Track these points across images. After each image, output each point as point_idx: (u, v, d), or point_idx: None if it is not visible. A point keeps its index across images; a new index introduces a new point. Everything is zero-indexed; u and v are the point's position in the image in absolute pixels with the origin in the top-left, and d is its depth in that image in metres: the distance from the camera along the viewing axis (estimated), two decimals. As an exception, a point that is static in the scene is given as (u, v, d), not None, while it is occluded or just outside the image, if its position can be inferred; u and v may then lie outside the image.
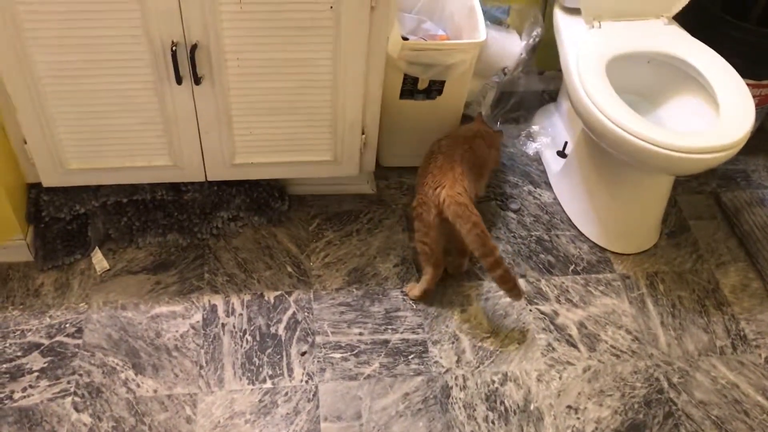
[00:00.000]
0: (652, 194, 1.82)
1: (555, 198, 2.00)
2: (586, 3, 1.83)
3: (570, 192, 1.95)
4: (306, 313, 1.68)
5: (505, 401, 1.57)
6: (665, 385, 1.62)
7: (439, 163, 1.65)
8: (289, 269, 1.77)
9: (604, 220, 1.87)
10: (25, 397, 1.49)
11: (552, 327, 1.71)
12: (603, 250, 1.89)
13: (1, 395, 1.49)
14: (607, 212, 1.86)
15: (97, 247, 1.75)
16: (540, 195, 2.01)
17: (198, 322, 1.65)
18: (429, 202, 1.60)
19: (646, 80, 1.85)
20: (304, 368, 1.58)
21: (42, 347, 1.57)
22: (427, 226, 1.63)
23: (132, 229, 1.78)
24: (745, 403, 1.60)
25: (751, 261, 1.89)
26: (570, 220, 1.94)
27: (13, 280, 1.69)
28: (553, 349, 1.67)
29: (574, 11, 1.88)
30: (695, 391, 1.61)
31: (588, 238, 1.90)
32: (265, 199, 1.85)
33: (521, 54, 1.98)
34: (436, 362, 1.62)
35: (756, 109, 1.92)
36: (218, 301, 1.69)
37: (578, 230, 1.92)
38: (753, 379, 1.64)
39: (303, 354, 1.60)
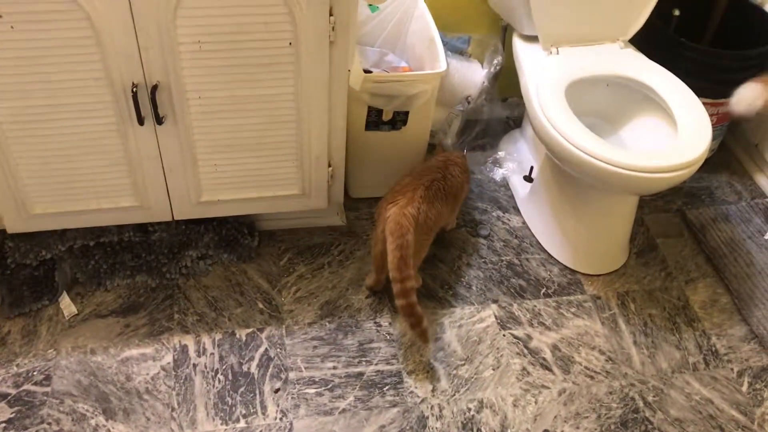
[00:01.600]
0: (618, 214, 1.84)
1: (524, 222, 2.02)
2: (543, 30, 1.87)
3: (538, 216, 1.97)
4: (278, 349, 1.67)
5: (482, 429, 1.56)
6: (641, 404, 1.62)
7: (405, 182, 1.67)
8: (261, 305, 1.76)
9: (573, 242, 1.88)
10: (-9, 449, 1.46)
11: (526, 351, 1.71)
12: (573, 272, 1.90)
13: (-33, 449, 1.45)
14: (575, 234, 1.87)
15: (65, 292, 1.73)
16: (509, 220, 2.03)
17: (169, 363, 1.62)
18: (381, 215, 1.62)
19: (605, 103, 1.88)
20: (278, 405, 1.57)
21: (9, 397, 1.54)
22: (375, 239, 1.66)
23: (100, 272, 1.76)
24: (720, 418, 1.60)
25: (719, 276, 1.92)
26: (539, 243, 1.96)
27: (-22, 329, 1.66)
28: (528, 373, 1.67)
29: (533, 39, 1.92)
30: (671, 409, 1.62)
31: (558, 261, 1.92)
32: (234, 236, 1.84)
33: (483, 82, 2.01)
34: (411, 392, 1.61)
35: (714, 127, 1.97)
36: (189, 341, 1.67)
37: (548, 253, 1.93)
38: (726, 393, 1.65)
39: (276, 391, 1.58)
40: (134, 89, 1.44)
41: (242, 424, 1.53)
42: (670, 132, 1.72)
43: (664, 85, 1.78)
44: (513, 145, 2.18)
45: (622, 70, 1.83)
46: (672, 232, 2.04)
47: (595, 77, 1.83)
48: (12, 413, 1.51)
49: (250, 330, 1.70)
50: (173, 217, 1.73)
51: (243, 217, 1.86)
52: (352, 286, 1.82)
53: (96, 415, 1.52)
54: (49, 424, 1.50)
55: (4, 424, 1.49)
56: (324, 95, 1.56)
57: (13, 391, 1.55)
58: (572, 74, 1.81)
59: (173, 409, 1.54)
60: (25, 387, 1.56)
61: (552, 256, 1.93)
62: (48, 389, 1.56)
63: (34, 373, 1.59)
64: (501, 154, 2.15)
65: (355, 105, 1.76)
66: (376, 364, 1.66)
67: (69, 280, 1.75)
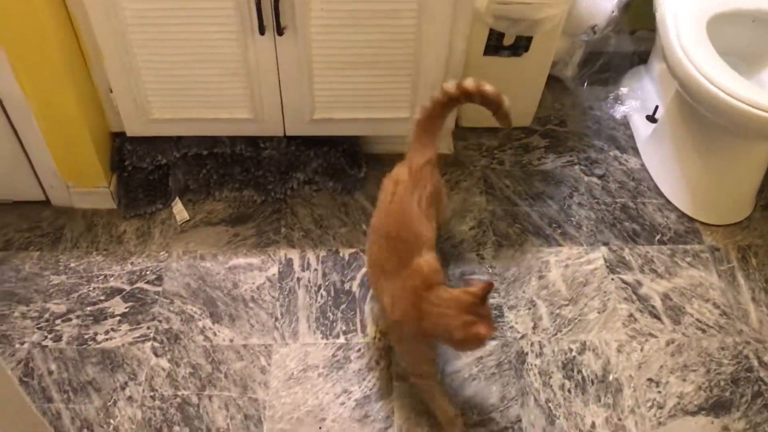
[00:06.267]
0: (749, 162, 1.71)
1: (642, 164, 1.91)
2: (687, -44, 1.72)
3: (659, 158, 1.86)
4: (380, 272, 1.67)
5: (583, 370, 1.52)
6: (755, 363, 1.54)
7: None
8: (364, 227, 1.76)
9: (695, 189, 1.77)
10: (107, 339, 1.53)
11: (635, 297, 1.64)
12: (692, 220, 1.79)
13: (86, 336, 1.53)
14: (698, 180, 1.76)
15: (177, 198, 1.77)
16: (626, 161, 1.92)
17: (274, 275, 1.65)
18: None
19: (749, 41, 1.73)
20: (378, 326, 1.57)
21: (124, 292, 1.61)
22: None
23: (210, 182, 1.79)
24: (843, 386, 1.51)
25: None
26: (657, 187, 1.85)
27: (97, 226, 1.73)
28: (635, 320, 1.61)
29: (673, -34, 1.77)
30: (788, 372, 1.53)
31: (676, 207, 1.81)
32: (341, 165, 1.82)
33: (612, 12, 1.88)
34: (511, 327, 1.58)
35: None
36: (294, 255, 1.69)
37: (666, 198, 1.83)
38: None
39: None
40: (258, -4, 1.42)
41: (342, 340, 1.55)
42: (822, 76, 1.57)
43: (820, 23, 1.62)
44: (637, 82, 2.05)
45: (773, 4, 1.67)
46: (805, 186, 1.89)
47: (740, 11, 1.68)
48: (126, 308, 1.58)
49: (353, 250, 1.71)
50: (285, 133, 1.72)
51: (352, 146, 1.83)
52: (456, 216, 1.79)
53: (203, 317, 1.57)
54: (160, 321, 1.56)
55: (119, 317, 1.57)
56: (447, 13, 1.50)
57: (127, 287, 1.62)
58: (715, 7, 1.66)
59: (276, 319, 1.57)
60: (139, 285, 1.63)
61: (670, 202, 1.82)
62: (159, 289, 1.62)
63: (147, 272, 1.65)
64: (623, 90, 2.03)
65: (476, 27, 1.68)
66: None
67: (181, 186, 1.79)
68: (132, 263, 1.66)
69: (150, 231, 1.73)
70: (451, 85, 1.36)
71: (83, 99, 1.58)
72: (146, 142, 1.75)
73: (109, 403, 1.44)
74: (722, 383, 1.51)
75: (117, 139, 1.76)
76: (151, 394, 1.45)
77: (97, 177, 1.70)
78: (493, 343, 1.55)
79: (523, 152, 1.94)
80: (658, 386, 1.50)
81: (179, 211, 1.75)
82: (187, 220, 1.75)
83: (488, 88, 1.34)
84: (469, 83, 1.35)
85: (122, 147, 1.75)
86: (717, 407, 1.47)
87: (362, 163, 1.84)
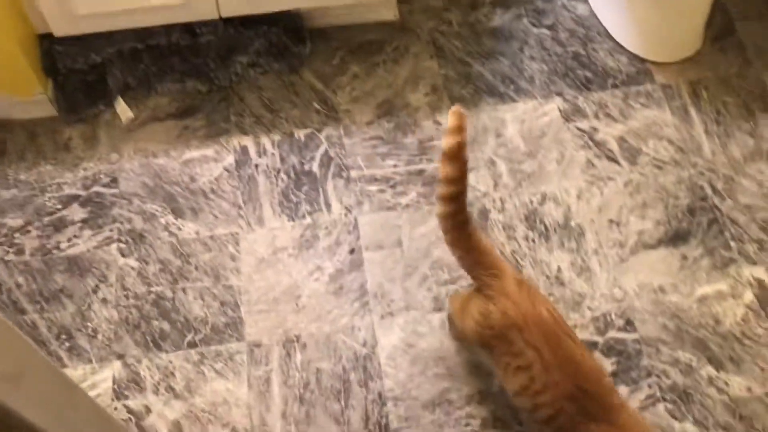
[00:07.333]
0: (696, -5, 1.69)
1: (591, 10, 1.87)
2: None
3: (607, 1, 1.82)
4: (338, 149, 1.65)
5: (545, 220, 1.56)
6: (709, 192, 1.59)
7: None
8: (317, 106, 1.72)
9: (644, 28, 1.75)
10: (71, 246, 1.52)
11: (591, 143, 1.66)
12: (643, 60, 1.79)
13: (49, 246, 1.51)
14: (647, 19, 1.74)
15: (119, 97, 1.71)
16: (575, 8, 1.88)
17: (231, 164, 1.63)
18: None
19: None
20: (342, 202, 1.58)
21: (80, 198, 1.58)
22: None
23: (149, 76, 1.72)
24: (793, 204, 1.57)
25: (801, 61, 1.79)
26: (607, 32, 1.83)
27: (40, 135, 1.67)
28: (593, 165, 1.63)
29: None
30: (740, 197, 1.58)
31: (627, 50, 1.80)
32: (284, 44, 1.75)
33: None
34: (473, 187, 1.60)
35: None
36: (248, 142, 1.66)
37: (616, 42, 1.81)
38: (801, 180, 1.60)
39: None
40: None
41: (308, 220, 1.55)
42: None
43: None
44: None
45: None
46: (752, 13, 1.88)
47: None
48: (85, 214, 1.56)
49: (309, 131, 1.68)
50: (220, 15, 1.64)
51: (294, 22, 1.76)
52: (409, 84, 1.76)
53: (165, 214, 1.56)
54: (121, 223, 1.55)
55: (79, 224, 1.54)
56: None
57: (83, 193, 1.59)
58: None
59: (240, 208, 1.57)
60: (94, 189, 1.59)
61: (620, 45, 1.81)
62: (116, 191, 1.59)
63: (101, 176, 1.61)
64: (567, -67, 1.96)
65: None
66: (438, 162, 1.64)
67: (121, 84, 1.71)
68: (84, 168, 1.62)
69: (96, 134, 1.67)
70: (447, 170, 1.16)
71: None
72: (77, 42, 1.66)
73: (83, 308, 1.44)
74: (679, 215, 1.56)
75: (45, 41, 1.66)
76: (125, 293, 1.46)
77: (30, 84, 1.62)
78: (457, 204, 1.57)
79: (470, 10, 1.88)
80: (618, 226, 1.55)
81: (123, 110, 1.69)
82: (133, 119, 1.69)
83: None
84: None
85: (51, 49, 1.66)
86: (675, 238, 1.53)
87: (306, 39, 1.77)
